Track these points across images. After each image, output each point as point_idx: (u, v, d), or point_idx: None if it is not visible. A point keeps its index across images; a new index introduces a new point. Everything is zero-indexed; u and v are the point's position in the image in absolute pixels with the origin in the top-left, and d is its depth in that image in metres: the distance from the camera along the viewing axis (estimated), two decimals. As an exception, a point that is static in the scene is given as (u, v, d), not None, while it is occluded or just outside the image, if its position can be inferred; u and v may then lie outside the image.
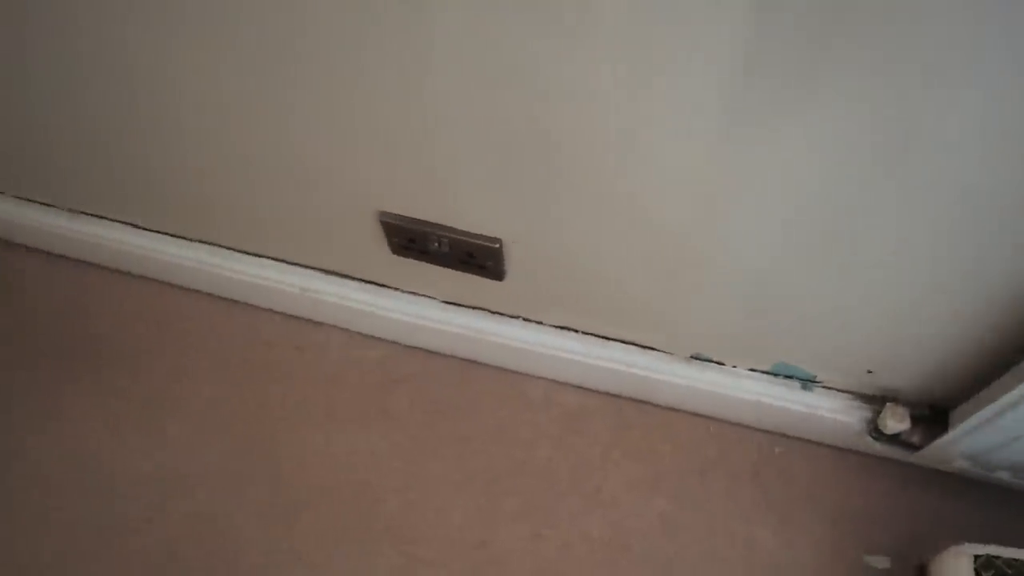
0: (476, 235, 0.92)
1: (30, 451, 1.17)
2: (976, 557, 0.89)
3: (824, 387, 1.01)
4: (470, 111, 0.74)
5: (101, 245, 1.21)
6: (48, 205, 1.20)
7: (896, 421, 0.97)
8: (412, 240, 0.96)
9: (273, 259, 1.13)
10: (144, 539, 1.11)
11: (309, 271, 1.13)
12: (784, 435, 1.10)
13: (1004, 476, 0.99)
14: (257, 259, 1.14)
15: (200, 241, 1.15)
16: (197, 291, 1.25)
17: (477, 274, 0.99)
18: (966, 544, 0.92)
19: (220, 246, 1.15)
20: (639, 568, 1.03)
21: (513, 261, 0.95)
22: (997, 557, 0.89)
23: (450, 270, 1.00)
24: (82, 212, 1.18)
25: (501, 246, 0.92)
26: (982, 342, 0.83)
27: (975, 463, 0.98)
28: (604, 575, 1.03)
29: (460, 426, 1.14)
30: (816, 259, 0.79)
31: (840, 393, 1.01)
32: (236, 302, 1.24)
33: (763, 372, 1.02)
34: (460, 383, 1.17)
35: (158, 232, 1.16)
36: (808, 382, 1.01)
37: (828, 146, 0.65)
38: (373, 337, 1.20)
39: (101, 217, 1.18)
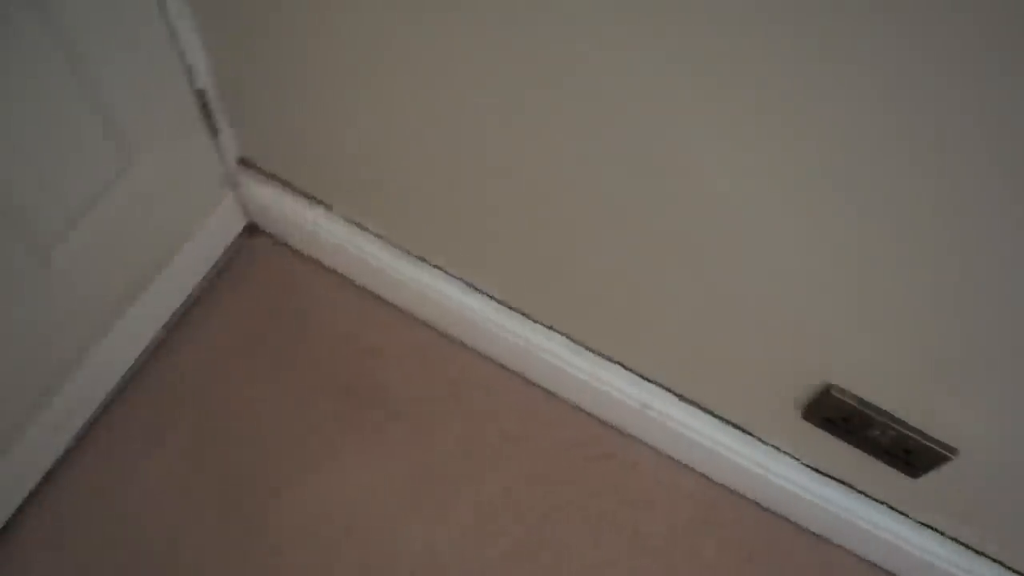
0: (931, 438, 0.84)
1: (306, 485, 1.08)
2: None
3: None
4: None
5: (419, 291, 1.11)
6: (379, 236, 1.10)
7: None
8: (846, 420, 0.88)
9: (619, 364, 1.04)
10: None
11: (651, 385, 1.04)
12: None
13: None
14: (603, 360, 1.05)
15: (550, 326, 1.05)
16: (502, 365, 1.16)
17: (891, 465, 0.90)
18: None
19: (565, 336, 1.05)
20: None
21: (950, 468, 0.87)
22: None
23: (861, 452, 0.91)
24: (412, 253, 1.09)
25: (954, 456, 0.84)
26: None
27: None
28: None
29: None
30: None
31: None
32: (545, 389, 1.15)
33: None
34: (811, 551, 1.09)
35: (504, 305, 1.06)
36: None
37: None
38: (685, 465, 1.12)
39: (434, 265, 1.08)
